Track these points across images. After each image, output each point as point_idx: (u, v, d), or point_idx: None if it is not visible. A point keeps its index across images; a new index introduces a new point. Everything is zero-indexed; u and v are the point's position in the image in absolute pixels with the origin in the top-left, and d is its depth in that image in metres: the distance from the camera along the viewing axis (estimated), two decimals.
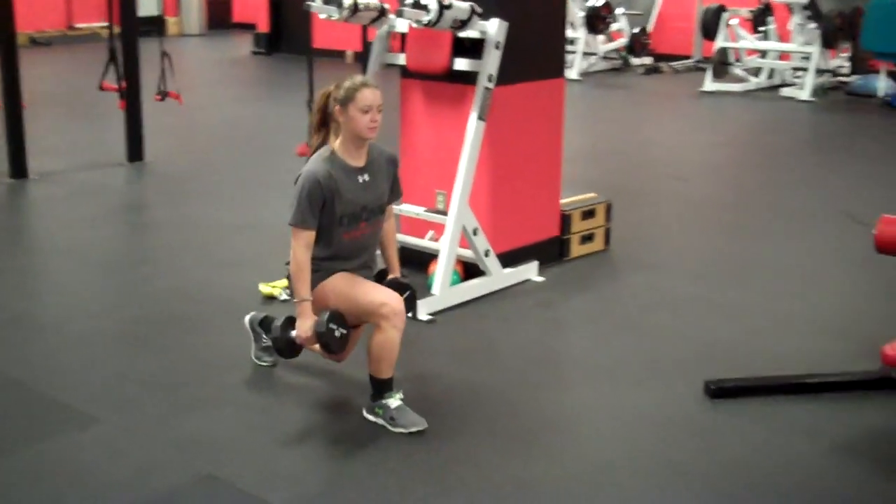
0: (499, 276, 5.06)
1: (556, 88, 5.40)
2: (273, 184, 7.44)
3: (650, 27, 15.34)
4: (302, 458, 3.44)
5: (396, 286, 3.75)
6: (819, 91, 12.16)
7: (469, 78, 4.90)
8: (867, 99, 11.77)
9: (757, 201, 7.20)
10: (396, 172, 3.90)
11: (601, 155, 8.71)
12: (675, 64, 14.68)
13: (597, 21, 13.64)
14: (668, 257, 5.79)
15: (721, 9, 12.93)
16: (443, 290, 4.78)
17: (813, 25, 12.43)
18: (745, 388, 3.97)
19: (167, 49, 8.12)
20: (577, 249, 5.63)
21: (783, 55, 13.15)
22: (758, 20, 13.27)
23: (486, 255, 4.99)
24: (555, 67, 5.41)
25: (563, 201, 5.59)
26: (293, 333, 3.65)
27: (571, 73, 12.97)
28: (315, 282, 3.66)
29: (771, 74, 13.19)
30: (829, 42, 11.95)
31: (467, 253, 4.99)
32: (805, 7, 12.59)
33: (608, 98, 12.50)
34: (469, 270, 5.09)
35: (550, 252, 5.49)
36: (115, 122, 8.33)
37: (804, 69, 12.33)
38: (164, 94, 7.78)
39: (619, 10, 14.67)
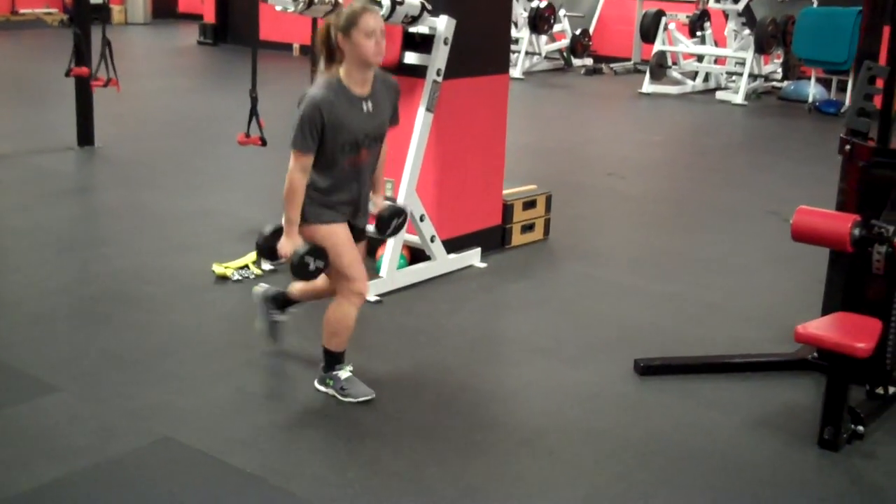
0: (443, 261, 5.30)
1: (500, 84, 5.64)
2: (221, 172, 7.61)
3: (591, 29, 15.67)
4: (257, 424, 3.63)
5: (393, 210, 3.96)
6: (752, 95, 12.58)
7: (418, 71, 5.12)
8: (798, 104, 12.18)
9: (690, 198, 7.52)
10: (397, 100, 3.85)
11: (543, 151, 8.97)
12: (614, 65, 15.02)
13: (540, 21, 13.93)
14: (604, 248, 6.07)
15: (660, 13, 13.30)
16: (390, 272, 5.00)
17: (747, 32, 12.87)
18: (671, 366, 4.26)
19: (111, 37, 8.11)
20: (517, 238, 5.88)
21: (719, 60, 13.59)
22: (695, 25, 13.69)
23: (432, 240, 5.22)
24: (500, 64, 5.66)
25: (505, 192, 5.83)
26: (278, 244, 3.71)
27: (515, 72, 13.23)
28: (311, 214, 3.66)
29: (707, 78, 13.60)
30: (762, 48, 12.36)
31: (414, 238, 5.22)
32: (740, 14, 13.02)
33: (550, 97, 12.78)
34: (415, 255, 5.32)
35: (493, 240, 5.74)
36: (63, 107, 8.39)
37: (738, 74, 12.75)
38: (107, 81, 7.84)
39: (561, 12, 14.99)
